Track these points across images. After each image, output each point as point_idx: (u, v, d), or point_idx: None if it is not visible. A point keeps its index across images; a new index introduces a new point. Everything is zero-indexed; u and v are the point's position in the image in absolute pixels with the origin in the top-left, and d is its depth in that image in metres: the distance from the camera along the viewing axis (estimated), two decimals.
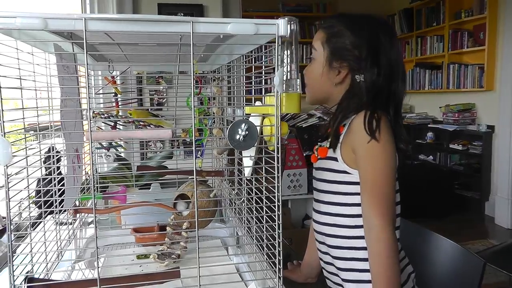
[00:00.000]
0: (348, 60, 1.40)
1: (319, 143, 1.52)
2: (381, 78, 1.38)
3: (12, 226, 1.01)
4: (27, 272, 1.15)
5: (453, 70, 6.76)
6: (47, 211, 1.31)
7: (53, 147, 1.41)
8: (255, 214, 1.34)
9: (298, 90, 1.13)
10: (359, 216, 1.36)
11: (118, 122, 1.79)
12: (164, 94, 4.62)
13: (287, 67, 1.12)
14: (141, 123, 1.72)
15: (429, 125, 7.18)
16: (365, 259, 1.35)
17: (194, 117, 1.05)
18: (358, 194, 1.36)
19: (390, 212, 1.30)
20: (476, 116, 6.41)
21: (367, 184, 1.31)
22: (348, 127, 1.37)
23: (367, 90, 1.38)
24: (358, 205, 1.36)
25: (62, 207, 1.36)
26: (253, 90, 1.42)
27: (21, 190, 1.07)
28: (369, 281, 1.33)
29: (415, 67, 7.69)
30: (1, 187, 0.98)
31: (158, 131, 1.51)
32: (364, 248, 1.35)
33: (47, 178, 1.34)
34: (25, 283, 1.04)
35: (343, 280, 1.43)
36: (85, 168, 1.44)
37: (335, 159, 1.40)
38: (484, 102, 6.28)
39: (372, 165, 1.31)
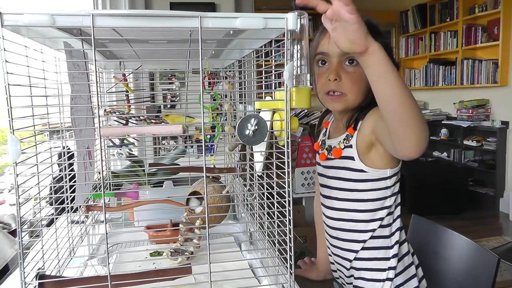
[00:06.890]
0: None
1: (322, 141, 1.57)
2: None
3: (24, 225, 1.01)
4: (38, 269, 1.16)
5: (467, 65, 6.72)
6: (59, 207, 1.32)
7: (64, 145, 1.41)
8: (267, 210, 1.34)
9: (308, 85, 1.12)
10: (374, 210, 1.41)
11: (129, 120, 1.79)
12: (177, 93, 4.63)
13: (297, 62, 1.11)
14: (153, 120, 1.72)
15: (443, 122, 7.15)
16: (372, 248, 1.43)
17: (205, 113, 1.05)
18: (373, 190, 1.40)
19: None
20: (490, 112, 6.38)
21: None
22: (359, 128, 1.39)
23: None
24: (373, 200, 1.41)
25: (73, 204, 1.36)
26: (263, 85, 1.42)
27: (31, 187, 1.07)
28: (379, 270, 1.41)
29: (429, 63, 7.66)
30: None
31: (170, 127, 1.51)
32: (374, 238, 1.42)
33: (59, 175, 1.34)
34: (36, 279, 1.04)
35: (353, 268, 1.48)
36: (97, 166, 1.44)
37: (351, 158, 1.41)
38: (498, 98, 6.24)
39: None
